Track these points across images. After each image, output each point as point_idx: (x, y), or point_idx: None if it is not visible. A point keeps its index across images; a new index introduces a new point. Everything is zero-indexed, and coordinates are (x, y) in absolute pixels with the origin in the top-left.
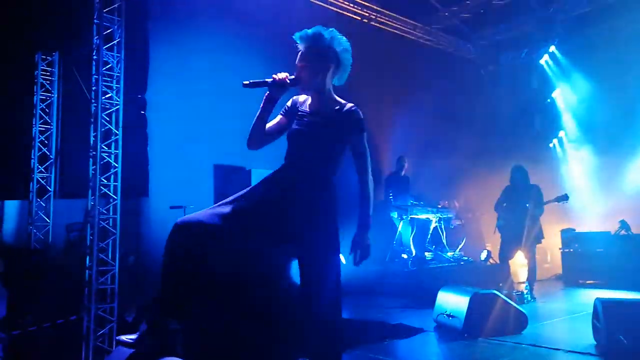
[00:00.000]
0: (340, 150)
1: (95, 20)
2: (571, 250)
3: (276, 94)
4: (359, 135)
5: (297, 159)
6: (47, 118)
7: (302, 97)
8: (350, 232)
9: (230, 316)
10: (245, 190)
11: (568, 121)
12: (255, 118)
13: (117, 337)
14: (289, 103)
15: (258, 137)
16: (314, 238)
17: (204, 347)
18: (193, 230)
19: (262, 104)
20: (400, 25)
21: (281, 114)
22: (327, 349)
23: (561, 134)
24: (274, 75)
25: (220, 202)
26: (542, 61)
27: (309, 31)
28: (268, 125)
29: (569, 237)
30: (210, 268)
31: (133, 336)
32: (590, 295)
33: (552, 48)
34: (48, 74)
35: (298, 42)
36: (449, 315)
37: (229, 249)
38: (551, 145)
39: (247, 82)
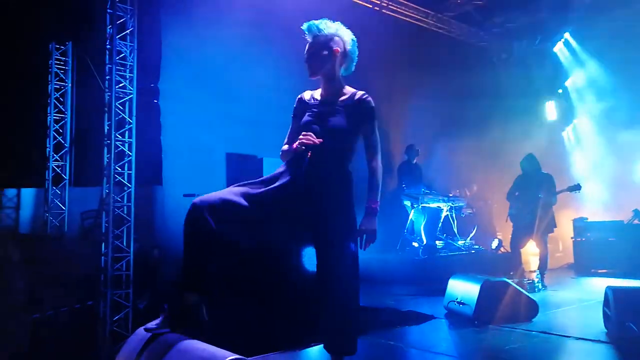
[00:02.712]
0: (353, 138)
1: (109, 10)
2: (583, 239)
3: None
4: (371, 122)
5: (311, 149)
6: (61, 107)
7: (307, 94)
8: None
9: (247, 297)
10: (261, 179)
11: (581, 109)
12: (285, 154)
13: (143, 327)
14: (295, 104)
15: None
16: (330, 225)
17: (222, 326)
18: (211, 209)
19: (293, 150)
20: (413, 13)
21: (295, 119)
22: (343, 335)
23: (574, 122)
24: (305, 142)
25: (240, 184)
26: (555, 49)
27: (315, 22)
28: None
29: (581, 226)
30: (227, 247)
31: (158, 322)
32: (601, 284)
33: (566, 35)
34: (62, 63)
35: (306, 33)
36: (459, 303)
37: (246, 233)
38: (564, 133)
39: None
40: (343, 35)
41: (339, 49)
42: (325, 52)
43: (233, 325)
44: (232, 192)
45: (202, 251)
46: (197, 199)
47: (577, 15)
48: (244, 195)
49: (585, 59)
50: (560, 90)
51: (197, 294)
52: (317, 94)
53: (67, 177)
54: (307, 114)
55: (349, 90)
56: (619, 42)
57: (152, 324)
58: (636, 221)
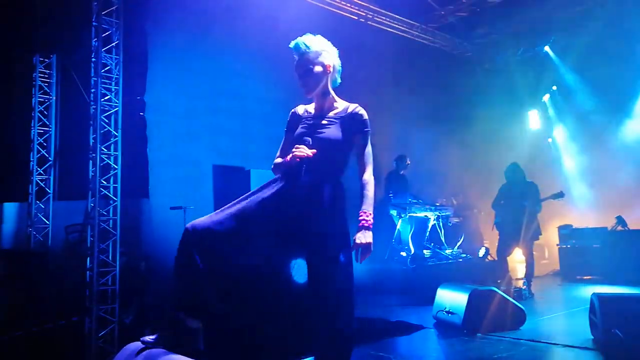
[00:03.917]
0: (346, 151)
1: (94, 23)
2: (568, 246)
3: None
4: (364, 134)
5: (305, 161)
6: (45, 120)
7: (300, 108)
8: (354, 230)
9: (236, 310)
10: (252, 192)
11: (564, 118)
12: (278, 167)
13: (141, 339)
14: (289, 118)
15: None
16: (323, 237)
17: (219, 344)
18: (203, 233)
19: (287, 163)
20: (397, 24)
21: (288, 133)
22: (336, 349)
23: (557, 131)
24: (298, 154)
25: (229, 205)
26: (538, 59)
27: (301, 39)
28: (285, 152)
29: (566, 233)
30: (222, 269)
31: (154, 336)
32: (587, 291)
33: (549, 46)
34: (46, 76)
35: (294, 51)
36: (448, 312)
37: (240, 251)
38: (548, 141)
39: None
40: (329, 49)
41: (330, 64)
42: (319, 69)
43: (220, 339)
44: (225, 212)
45: (197, 275)
46: (189, 224)
47: (558, 27)
48: (237, 214)
49: (565, 69)
50: (544, 98)
51: (196, 318)
52: (311, 108)
53: (51, 191)
54: (301, 126)
55: (342, 103)
56: (597, 52)
57: (149, 338)
58: (619, 228)
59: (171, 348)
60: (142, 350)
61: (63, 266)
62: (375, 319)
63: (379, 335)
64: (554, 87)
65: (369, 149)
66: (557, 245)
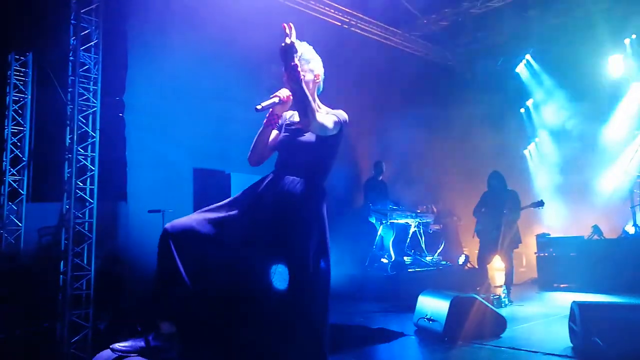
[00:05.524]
0: (327, 155)
1: (72, 21)
2: (546, 254)
3: (280, 112)
4: (331, 113)
5: (286, 166)
6: (20, 119)
7: (288, 112)
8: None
9: (219, 320)
10: (234, 196)
11: (542, 128)
12: (257, 136)
13: (111, 346)
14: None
15: (260, 154)
16: (302, 243)
17: (194, 352)
18: (182, 234)
19: (265, 124)
20: (381, 32)
21: (276, 129)
22: (311, 355)
23: (535, 141)
24: (279, 94)
25: (210, 207)
26: (518, 69)
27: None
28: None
29: (544, 242)
30: (200, 272)
31: (126, 343)
32: (564, 299)
33: (527, 57)
34: (22, 74)
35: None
36: (429, 319)
37: (219, 254)
38: (526, 152)
39: (259, 107)
40: (317, 57)
41: (319, 73)
42: (310, 77)
43: (196, 347)
44: (205, 215)
45: (174, 276)
46: (168, 224)
47: (537, 38)
48: (217, 218)
49: (545, 80)
50: (526, 105)
51: (171, 323)
52: (296, 113)
53: (24, 192)
54: (284, 131)
55: (324, 109)
56: (574, 63)
57: (120, 346)
58: (595, 237)
59: (145, 355)
60: (116, 359)
61: (35, 270)
62: (355, 326)
63: (359, 343)
64: (532, 98)
65: (323, 117)
66: (535, 253)
